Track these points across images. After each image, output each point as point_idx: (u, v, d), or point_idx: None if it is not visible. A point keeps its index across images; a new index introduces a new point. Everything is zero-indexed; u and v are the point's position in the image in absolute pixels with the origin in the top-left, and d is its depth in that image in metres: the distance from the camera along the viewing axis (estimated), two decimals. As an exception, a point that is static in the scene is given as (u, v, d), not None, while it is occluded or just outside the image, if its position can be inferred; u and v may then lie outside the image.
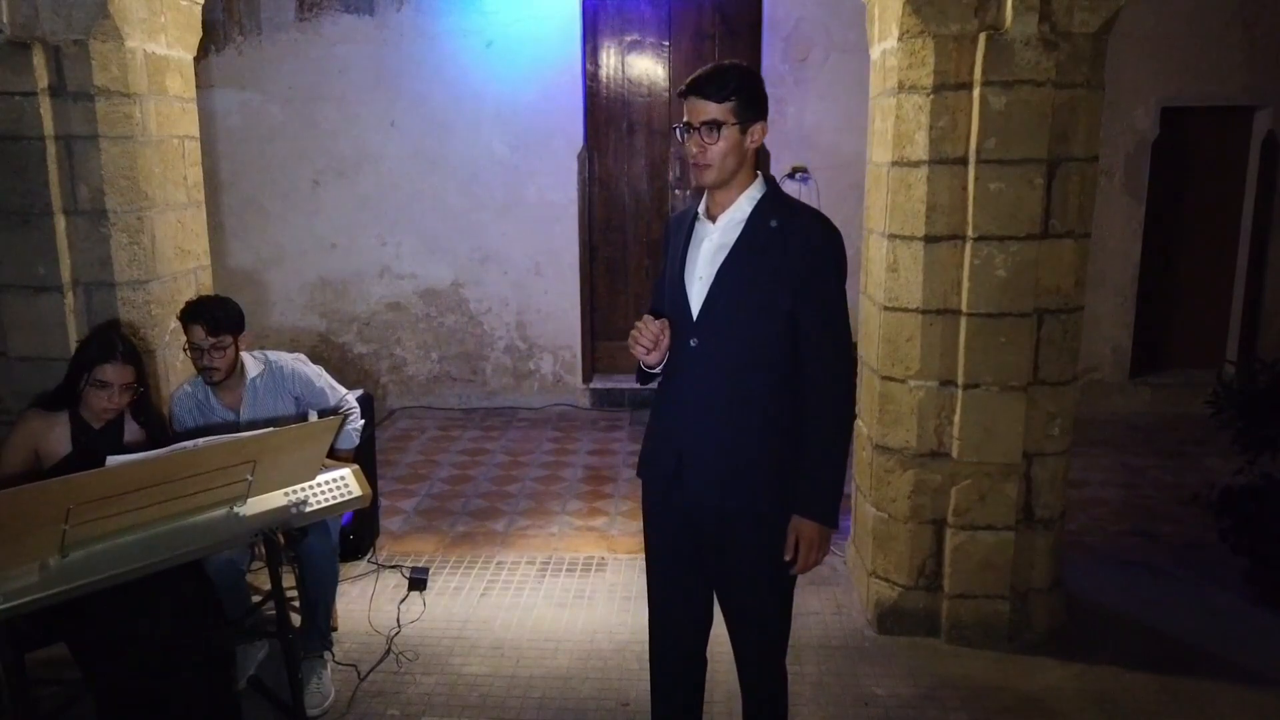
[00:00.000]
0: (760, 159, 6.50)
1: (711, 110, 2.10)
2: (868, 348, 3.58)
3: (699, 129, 2.12)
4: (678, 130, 2.18)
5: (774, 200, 2.20)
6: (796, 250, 2.13)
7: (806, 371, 2.16)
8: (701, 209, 2.27)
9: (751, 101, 2.13)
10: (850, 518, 3.97)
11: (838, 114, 6.00)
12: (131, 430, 2.91)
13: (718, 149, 2.12)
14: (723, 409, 2.19)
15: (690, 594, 2.39)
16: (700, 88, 2.11)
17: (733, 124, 2.11)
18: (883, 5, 3.29)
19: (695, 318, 2.20)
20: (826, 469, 2.17)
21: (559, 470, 5.29)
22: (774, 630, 2.37)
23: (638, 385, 2.46)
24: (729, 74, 2.12)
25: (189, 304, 3.08)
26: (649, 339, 2.18)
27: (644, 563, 2.47)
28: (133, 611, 2.54)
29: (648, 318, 2.21)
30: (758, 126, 2.15)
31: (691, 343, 2.19)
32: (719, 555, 2.29)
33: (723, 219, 2.21)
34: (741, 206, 2.20)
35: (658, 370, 2.30)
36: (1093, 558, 4.08)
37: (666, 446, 2.29)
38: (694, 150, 2.14)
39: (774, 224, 2.16)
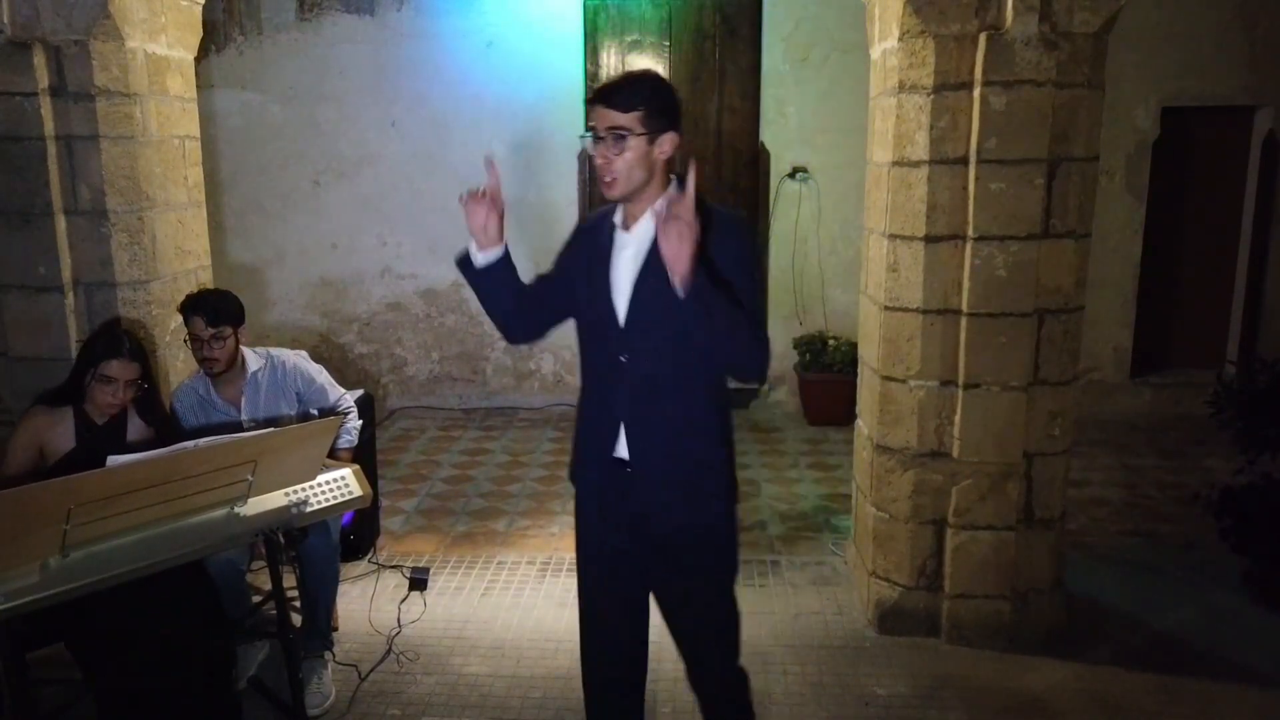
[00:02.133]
0: (761, 160, 6.52)
1: (617, 119, 2.04)
2: (868, 348, 3.58)
3: (604, 138, 2.05)
4: (586, 138, 2.12)
5: None
6: (716, 255, 2.05)
7: None
8: (618, 219, 2.20)
9: (661, 111, 2.06)
10: (851, 518, 3.97)
11: (838, 114, 6.00)
12: (136, 427, 2.93)
13: (624, 160, 2.05)
14: (659, 422, 2.15)
15: (629, 604, 2.33)
16: (606, 96, 2.05)
17: (639, 134, 2.03)
18: (883, 5, 3.28)
19: (622, 332, 2.15)
20: (726, 308, 2.00)
21: (559, 470, 5.28)
22: (731, 635, 2.33)
23: (460, 273, 2.24)
24: (637, 83, 2.08)
25: (189, 296, 3.12)
26: (483, 206, 2.12)
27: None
28: (133, 611, 2.54)
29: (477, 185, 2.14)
30: (667, 137, 2.07)
31: (622, 358, 2.14)
32: (668, 565, 2.25)
33: (636, 230, 2.14)
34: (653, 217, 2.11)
35: (493, 260, 2.16)
36: (1093, 558, 4.08)
37: (605, 459, 2.22)
38: (599, 161, 2.07)
39: None
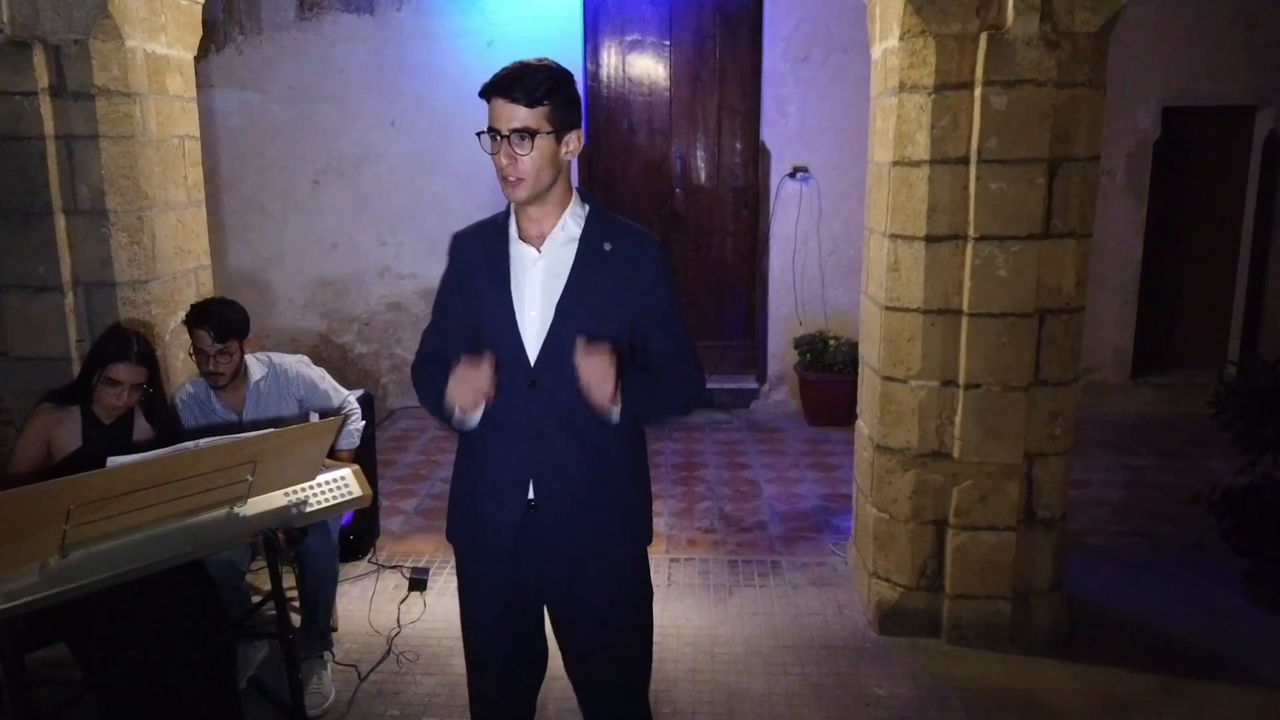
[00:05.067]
0: (761, 159, 6.51)
1: (522, 116, 1.84)
2: (869, 348, 3.57)
3: (508, 137, 1.86)
4: (481, 136, 1.89)
5: (601, 219, 2.01)
6: (635, 274, 1.96)
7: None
8: (513, 230, 2.01)
9: (566, 106, 1.89)
10: (851, 518, 3.97)
11: (839, 113, 5.99)
12: (142, 428, 2.93)
13: (530, 161, 1.86)
14: (573, 452, 1.99)
15: (527, 658, 2.20)
16: (507, 89, 1.84)
17: (547, 133, 1.86)
18: (884, 4, 3.28)
19: (535, 358, 1.96)
20: (655, 389, 1.98)
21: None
22: (633, 692, 2.20)
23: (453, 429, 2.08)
24: (540, 75, 1.86)
25: (195, 307, 3.08)
26: (485, 382, 1.88)
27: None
28: (133, 612, 2.54)
29: (472, 360, 1.89)
30: (573, 135, 1.92)
31: (530, 384, 1.95)
32: (574, 611, 2.10)
33: (550, 242, 1.97)
34: (568, 228, 1.98)
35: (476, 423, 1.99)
36: (1094, 558, 4.08)
37: (507, 500, 2.02)
38: (504, 162, 1.87)
39: (608, 247, 1.96)
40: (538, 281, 1.97)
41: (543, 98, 1.86)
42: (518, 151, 1.87)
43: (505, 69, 1.88)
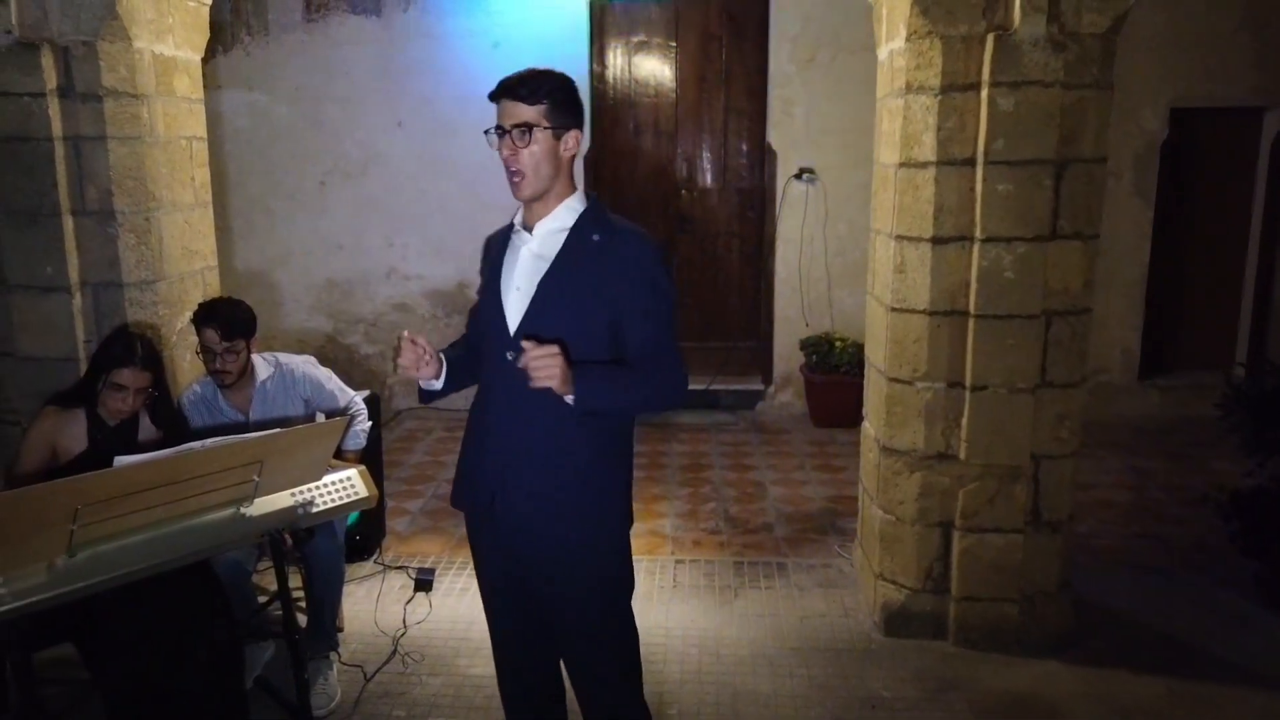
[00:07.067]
0: (767, 160, 6.51)
1: (523, 112, 2.01)
2: (874, 349, 3.57)
3: (510, 132, 2.02)
4: (489, 134, 2.07)
5: (597, 215, 2.12)
6: (620, 267, 2.05)
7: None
8: (518, 220, 2.18)
9: (565, 107, 2.05)
10: (857, 520, 3.96)
11: (844, 115, 5.99)
12: (147, 430, 2.94)
13: (530, 154, 2.02)
14: (540, 430, 2.08)
15: (528, 623, 2.27)
16: (511, 89, 2.02)
17: (545, 128, 2.02)
18: (890, 6, 3.28)
19: (513, 332, 2.08)
20: (621, 381, 2.05)
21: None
22: (614, 676, 2.23)
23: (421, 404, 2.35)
24: (542, 77, 2.05)
25: (202, 306, 3.09)
26: (409, 358, 2.11)
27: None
28: (140, 612, 2.54)
29: (401, 336, 2.14)
30: (572, 135, 2.06)
31: (508, 356, 2.04)
32: (545, 590, 2.18)
33: (540, 228, 2.11)
34: (561, 217, 2.10)
35: (440, 387, 2.23)
36: (1101, 560, 4.06)
37: (482, 472, 2.17)
38: (506, 155, 2.04)
39: (597, 238, 2.07)
40: (526, 263, 2.12)
41: (542, 96, 2.02)
42: (518, 144, 2.03)
43: (512, 74, 2.06)
